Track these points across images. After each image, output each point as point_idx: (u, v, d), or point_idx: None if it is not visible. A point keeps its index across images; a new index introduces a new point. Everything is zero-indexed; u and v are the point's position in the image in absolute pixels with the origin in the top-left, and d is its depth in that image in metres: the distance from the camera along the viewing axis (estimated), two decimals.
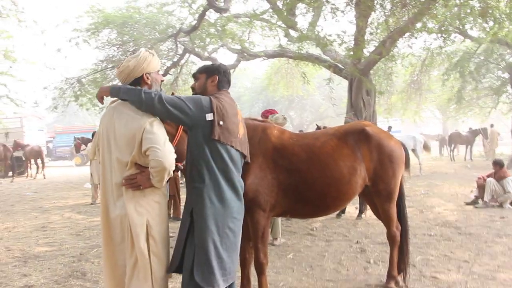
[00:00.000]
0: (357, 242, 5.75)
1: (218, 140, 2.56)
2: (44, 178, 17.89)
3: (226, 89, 2.85)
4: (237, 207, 2.69)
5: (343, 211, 7.66)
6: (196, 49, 14.23)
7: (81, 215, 8.53)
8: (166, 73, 14.68)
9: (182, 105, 2.52)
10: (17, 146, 18.60)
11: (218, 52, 15.50)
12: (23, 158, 18.92)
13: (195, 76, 2.92)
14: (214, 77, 2.81)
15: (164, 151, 2.40)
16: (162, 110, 2.48)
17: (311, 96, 32.77)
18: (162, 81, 2.83)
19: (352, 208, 8.19)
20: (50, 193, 12.61)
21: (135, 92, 2.50)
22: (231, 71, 14.81)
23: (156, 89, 2.70)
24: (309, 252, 5.36)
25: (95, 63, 14.57)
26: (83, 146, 14.18)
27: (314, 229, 6.68)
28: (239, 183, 2.71)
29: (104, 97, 2.66)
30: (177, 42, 13.68)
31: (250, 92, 41.36)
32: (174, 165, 2.45)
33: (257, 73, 36.28)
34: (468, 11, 8.52)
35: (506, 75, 18.38)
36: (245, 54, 13.92)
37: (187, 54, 14.77)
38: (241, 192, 2.74)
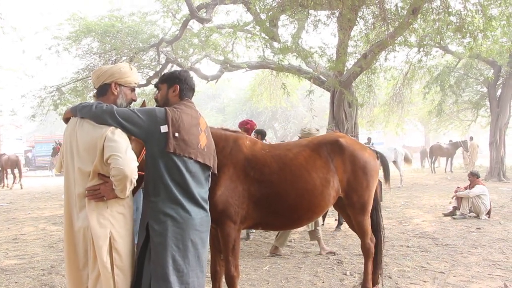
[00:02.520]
0: (334, 254, 5.72)
1: (174, 152, 2.49)
2: (21, 188, 17.37)
3: (189, 98, 2.79)
4: (200, 219, 2.60)
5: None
6: (179, 59, 14.15)
7: (56, 226, 8.28)
8: (148, 83, 14.54)
9: (135, 118, 2.47)
10: None
11: (202, 62, 15.45)
12: None
13: (157, 86, 2.84)
14: (175, 87, 2.74)
15: (126, 159, 2.34)
16: (114, 123, 2.42)
17: (294, 108, 33.00)
18: (134, 100, 2.75)
19: (331, 219, 8.18)
20: (26, 204, 12.24)
21: (88, 106, 2.48)
22: (214, 82, 14.96)
23: (121, 103, 2.65)
24: (286, 264, 5.29)
25: (76, 71, 14.34)
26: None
27: (292, 240, 6.63)
28: (200, 194, 2.61)
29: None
30: (160, 52, 13.59)
31: (234, 103, 41.44)
32: (136, 173, 2.38)
33: (241, 84, 36.35)
34: (449, 26, 8.68)
35: (485, 90, 18.78)
36: (228, 65, 13.92)
37: (169, 64, 14.67)
38: (204, 204, 2.65)
